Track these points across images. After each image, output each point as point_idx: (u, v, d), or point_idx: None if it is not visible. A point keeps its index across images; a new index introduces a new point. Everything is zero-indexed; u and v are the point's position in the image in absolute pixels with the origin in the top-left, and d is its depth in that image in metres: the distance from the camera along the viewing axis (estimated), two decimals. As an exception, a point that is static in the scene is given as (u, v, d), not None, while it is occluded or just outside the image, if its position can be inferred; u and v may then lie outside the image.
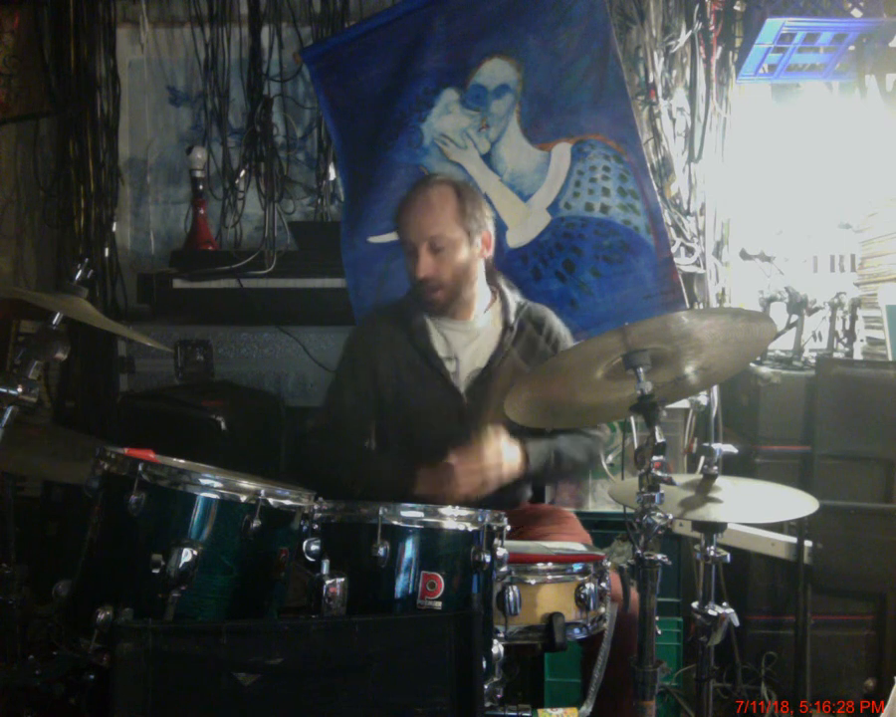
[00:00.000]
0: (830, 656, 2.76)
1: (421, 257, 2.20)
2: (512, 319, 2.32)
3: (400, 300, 2.41)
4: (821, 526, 2.66)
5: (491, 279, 2.39)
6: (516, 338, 2.31)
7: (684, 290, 2.83)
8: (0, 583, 1.86)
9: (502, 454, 2.09)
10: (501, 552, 1.68)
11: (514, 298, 2.38)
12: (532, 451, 2.17)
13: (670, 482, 1.65)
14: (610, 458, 2.92)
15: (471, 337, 2.32)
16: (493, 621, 1.71)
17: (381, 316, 2.42)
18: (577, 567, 1.84)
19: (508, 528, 1.73)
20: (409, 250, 2.24)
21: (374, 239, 2.96)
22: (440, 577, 1.61)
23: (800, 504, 1.90)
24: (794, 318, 2.92)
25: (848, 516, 2.67)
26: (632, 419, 2.77)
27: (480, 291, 2.34)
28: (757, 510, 1.93)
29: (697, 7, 3.13)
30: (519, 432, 2.16)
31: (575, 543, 2.06)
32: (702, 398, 2.88)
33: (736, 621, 1.82)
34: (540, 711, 1.93)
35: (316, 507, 1.66)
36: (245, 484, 1.59)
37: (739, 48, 3.18)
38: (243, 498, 1.58)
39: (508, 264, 2.85)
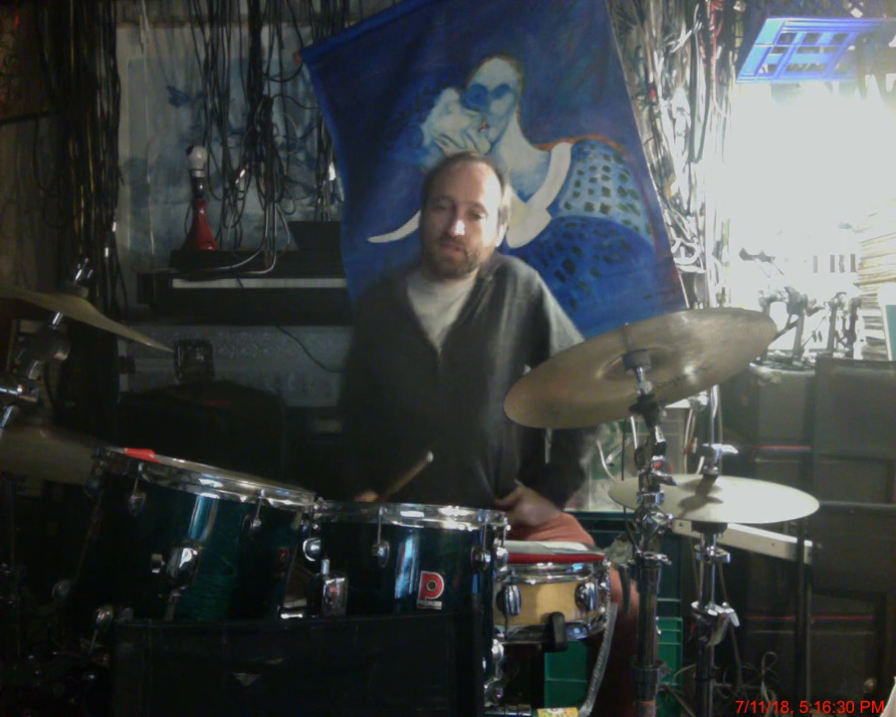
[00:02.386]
0: (830, 656, 2.76)
1: (459, 216, 2.23)
2: (484, 273, 2.34)
3: (393, 269, 2.48)
4: (821, 526, 2.66)
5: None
6: (484, 290, 2.33)
7: (684, 290, 2.83)
8: (0, 583, 1.86)
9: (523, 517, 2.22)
10: (501, 552, 1.68)
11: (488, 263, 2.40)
12: (556, 494, 2.29)
13: (670, 482, 1.65)
14: (610, 458, 2.92)
15: (449, 296, 2.34)
16: (493, 621, 1.71)
17: (375, 286, 2.51)
18: (577, 567, 1.85)
19: (508, 528, 1.73)
20: (444, 205, 2.25)
21: (374, 239, 2.96)
22: (440, 577, 1.61)
23: (800, 504, 1.90)
24: (794, 318, 2.92)
25: (848, 516, 2.67)
26: (632, 419, 2.77)
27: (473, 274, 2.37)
28: (757, 510, 1.94)
29: (697, 7, 3.13)
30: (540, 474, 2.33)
31: (576, 543, 2.07)
32: (702, 398, 2.88)
33: (736, 621, 1.82)
34: (540, 711, 1.93)
35: (316, 507, 1.66)
36: (245, 484, 1.60)
37: (739, 48, 3.17)
38: (243, 498, 1.58)
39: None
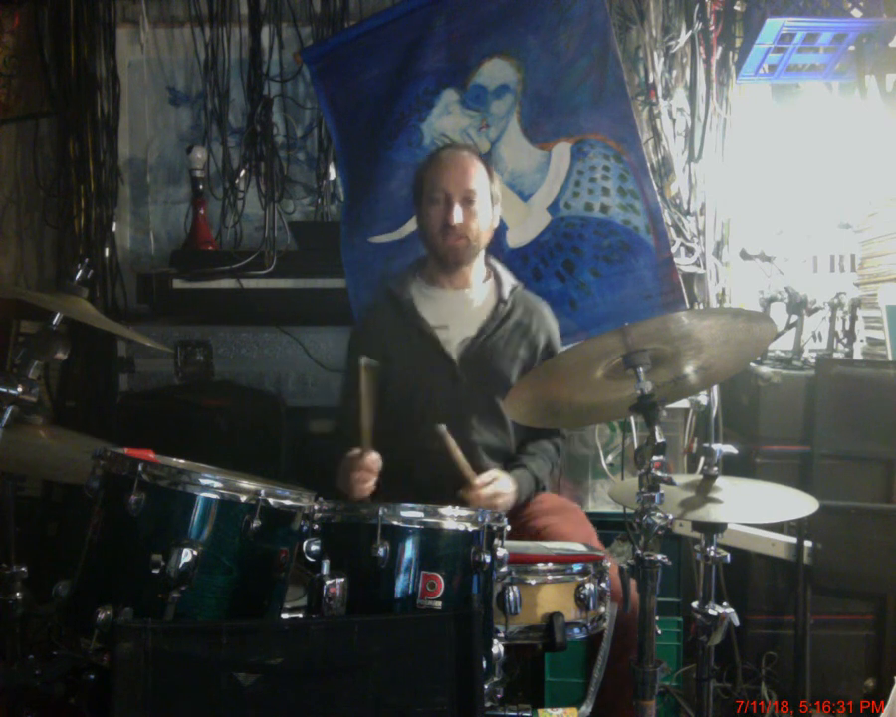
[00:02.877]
0: (830, 656, 2.76)
1: (455, 206, 2.31)
2: (506, 294, 2.40)
3: (392, 281, 2.48)
4: (821, 526, 2.66)
5: (486, 259, 2.49)
6: (509, 313, 2.38)
7: (684, 290, 2.83)
8: (0, 583, 1.86)
9: (498, 495, 2.16)
10: (501, 552, 1.68)
11: (507, 278, 2.46)
12: (521, 483, 2.25)
13: (670, 482, 1.65)
14: (610, 458, 2.92)
15: (464, 305, 2.39)
16: (493, 621, 1.71)
17: (374, 307, 2.52)
18: (577, 567, 1.84)
19: (508, 528, 1.73)
20: (440, 199, 2.33)
21: (374, 239, 2.97)
22: (440, 577, 1.61)
23: (800, 504, 1.90)
24: (794, 318, 2.92)
25: (848, 516, 2.67)
26: (632, 419, 2.77)
27: (481, 259, 2.43)
28: (757, 510, 1.93)
29: (697, 7, 3.13)
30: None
31: (576, 543, 2.07)
32: (702, 398, 2.88)
33: (736, 621, 1.82)
34: (540, 711, 1.93)
35: (316, 507, 1.66)
36: (245, 484, 1.59)
37: (739, 48, 3.18)
38: (243, 498, 1.58)
39: (508, 264, 2.83)
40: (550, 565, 1.82)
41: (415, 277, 2.43)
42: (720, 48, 3.19)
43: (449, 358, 2.32)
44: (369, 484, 2.10)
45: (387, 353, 2.33)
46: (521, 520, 2.25)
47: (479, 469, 2.24)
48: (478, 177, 2.34)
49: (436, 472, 2.21)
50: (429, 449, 2.20)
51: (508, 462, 2.34)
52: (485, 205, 2.35)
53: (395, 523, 1.61)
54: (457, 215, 2.29)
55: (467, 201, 2.31)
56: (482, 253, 2.42)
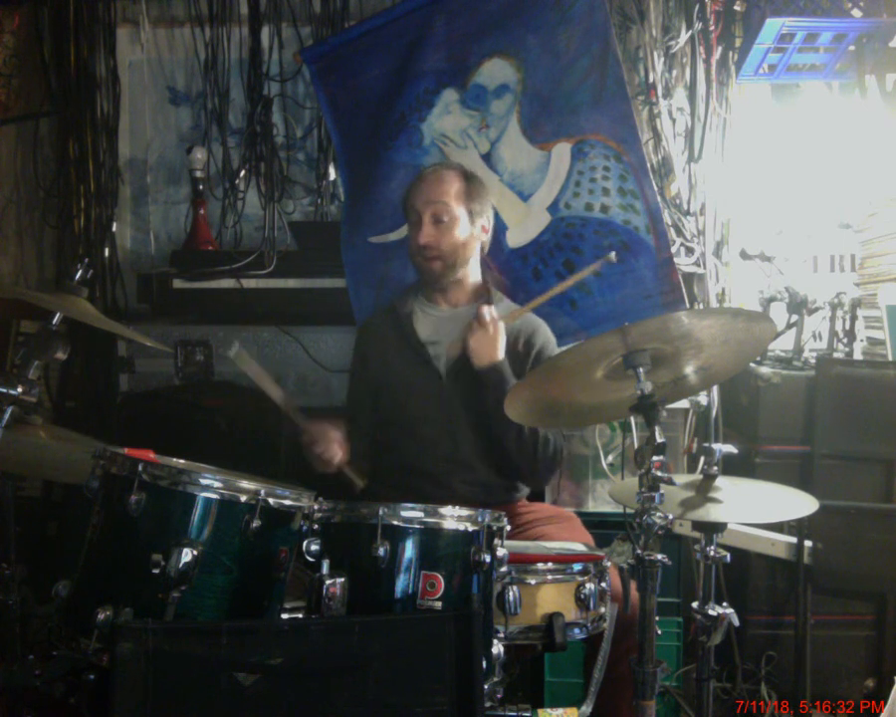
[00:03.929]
0: (830, 656, 2.76)
1: (424, 225, 2.32)
2: (512, 325, 2.37)
3: (396, 296, 2.54)
4: (821, 526, 2.66)
5: (484, 279, 2.49)
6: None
7: (684, 290, 2.82)
8: (0, 583, 1.86)
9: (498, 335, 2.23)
10: (501, 552, 1.69)
11: (501, 297, 2.47)
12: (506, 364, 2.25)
13: (670, 482, 1.65)
14: (610, 458, 2.92)
15: (456, 322, 2.38)
16: (493, 621, 1.71)
17: (376, 315, 2.58)
18: (577, 567, 1.85)
19: (508, 528, 1.73)
20: (414, 219, 2.36)
21: (374, 239, 2.96)
22: (440, 577, 1.61)
23: (800, 504, 1.90)
24: (794, 318, 2.92)
25: (848, 516, 2.67)
26: (632, 419, 2.77)
27: (472, 273, 2.43)
28: (757, 510, 1.94)
29: (697, 7, 3.13)
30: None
31: (576, 543, 2.07)
32: (702, 398, 2.88)
33: (736, 621, 1.82)
34: (540, 711, 1.93)
35: (316, 507, 1.66)
36: (245, 484, 1.60)
37: (739, 48, 3.17)
38: (243, 498, 1.59)
39: (508, 264, 2.85)
40: (550, 565, 1.83)
41: (417, 294, 2.47)
42: (720, 48, 3.18)
43: (437, 372, 2.35)
44: (334, 448, 2.19)
45: (386, 360, 2.40)
46: (518, 529, 2.26)
47: (469, 481, 2.30)
48: (452, 192, 2.33)
49: (429, 481, 2.26)
50: (421, 461, 2.27)
51: (498, 476, 2.35)
52: (460, 219, 2.33)
53: (395, 523, 1.61)
54: (423, 235, 2.31)
55: (437, 219, 2.31)
56: (472, 269, 2.42)
